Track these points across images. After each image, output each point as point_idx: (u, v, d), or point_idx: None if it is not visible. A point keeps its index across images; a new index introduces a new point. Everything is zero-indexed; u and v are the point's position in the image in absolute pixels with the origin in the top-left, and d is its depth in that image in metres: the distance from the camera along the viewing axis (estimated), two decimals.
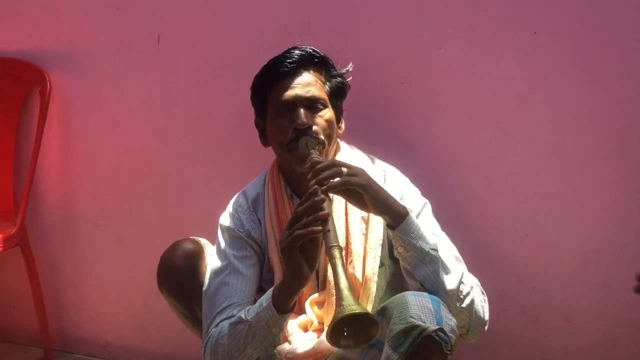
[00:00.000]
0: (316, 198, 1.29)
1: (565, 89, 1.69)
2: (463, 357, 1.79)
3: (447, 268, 1.36)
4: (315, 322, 1.50)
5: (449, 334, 1.23)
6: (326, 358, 1.44)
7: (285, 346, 1.47)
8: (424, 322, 1.22)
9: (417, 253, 1.35)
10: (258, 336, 1.37)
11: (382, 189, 1.38)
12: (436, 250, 1.37)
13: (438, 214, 1.54)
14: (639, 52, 1.62)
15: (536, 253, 1.78)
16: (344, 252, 1.36)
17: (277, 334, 1.38)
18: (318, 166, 1.35)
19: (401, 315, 1.24)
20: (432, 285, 1.35)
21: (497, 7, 1.70)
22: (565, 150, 1.72)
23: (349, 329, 1.20)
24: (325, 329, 1.46)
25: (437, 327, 1.22)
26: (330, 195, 1.43)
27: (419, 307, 1.25)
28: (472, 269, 1.46)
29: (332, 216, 1.31)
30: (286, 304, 1.36)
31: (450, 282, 1.35)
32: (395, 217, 1.36)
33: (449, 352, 1.24)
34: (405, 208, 1.38)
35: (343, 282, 1.20)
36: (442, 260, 1.36)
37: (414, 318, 1.22)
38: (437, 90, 1.79)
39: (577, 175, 1.72)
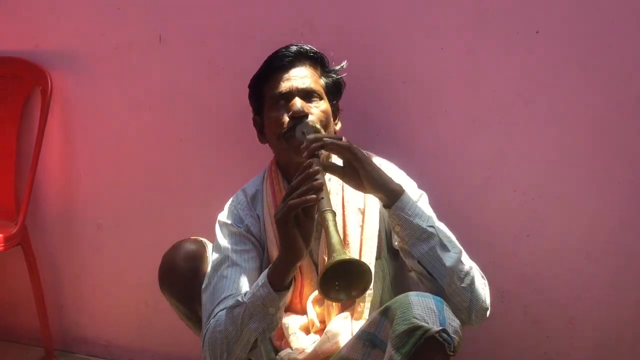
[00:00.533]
0: (310, 170, 1.29)
1: (568, 88, 1.69)
2: (465, 357, 1.78)
3: (445, 245, 1.36)
4: (317, 324, 1.50)
5: (452, 335, 1.22)
6: (328, 359, 1.44)
7: (287, 351, 1.47)
8: (427, 323, 1.21)
9: (414, 230, 1.35)
10: (255, 317, 1.34)
11: (377, 166, 1.39)
12: (433, 227, 1.36)
13: (439, 213, 1.54)
14: None
15: (538, 253, 1.78)
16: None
17: (274, 314, 1.35)
18: (318, 134, 1.37)
19: (404, 316, 1.23)
20: (430, 263, 1.34)
21: (499, 6, 1.70)
22: (567, 151, 1.72)
23: (340, 283, 1.20)
24: (326, 328, 1.46)
25: (440, 327, 1.21)
26: (328, 187, 1.43)
27: (422, 307, 1.24)
28: None
29: (326, 185, 1.31)
30: (282, 281, 1.34)
31: (448, 259, 1.34)
32: (391, 194, 1.36)
33: (451, 353, 1.23)
34: (401, 186, 1.38)
35: (335, 239, 1.21)
36: (439, 237, 1.36)
37: (417, 318, 1.22)
38: (438, 90, 1.79)
39: (580, 176, 1.72)
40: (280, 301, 1.35)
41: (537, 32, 1.68)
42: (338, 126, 1.62)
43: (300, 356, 1.45)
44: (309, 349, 1.45)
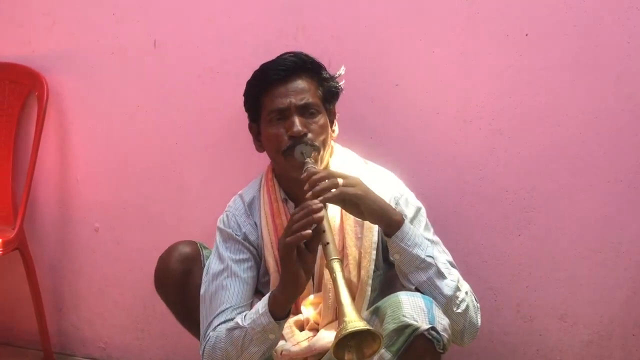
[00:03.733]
0: (313, 206, 1.29)
1: (557, 89, 1.71)
2: (458, 356, 1.81)
3: (443, 274, 1.38)
4: (311, 321, 1.51)
5: (441, 333, 1.24)
6: (321, 357, 1.46)
7: (281, 344, 1.49)
8: (417, 321, 1.23)
9: (413, 260, 1.37)
10: (255, 342, 1.37)
11: (378, 197, 1.39)
12: (432, 257, 1.38)
13: (432, 214, 1.56)
14: (631, 53, 1.64)
15: (529, 252, 1.80)
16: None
17: (274, 340, 1.38)
18: (315, 177, 1.35)
19: (394, 315, 1.25)
20: (429, 291, 1.36)
21: (489, 9, 1.72)
22: (557, 150, 1.74)
23: (352, 343, 1.20)
24: (320, 330, 1.48)
25: (430, 326, 1.23)
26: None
27: (411, 306, 1.26)
28: (466, 268, 1.47)
29: (330, 228, 1.31)
30: (283, 310, 1.36)
31: (446, 287, 1.36)
32: (391, 225, 1.37)
33: (441, 351, 1.26)
34: (401, 215, 1.39)
35: (345, 298, 1.20)
36: (437, 267, 1.37)
37: (406, 317, 1.24)
38: (430, 92, 1.80)
39: (570, 175, 1.74)
40: (281, 328, 1.38)
41: (526, 35, 1.70)
42: (335, 133, 1.60)
43: (294, 348, 1.46)
44: (303, 343, 1.47)
